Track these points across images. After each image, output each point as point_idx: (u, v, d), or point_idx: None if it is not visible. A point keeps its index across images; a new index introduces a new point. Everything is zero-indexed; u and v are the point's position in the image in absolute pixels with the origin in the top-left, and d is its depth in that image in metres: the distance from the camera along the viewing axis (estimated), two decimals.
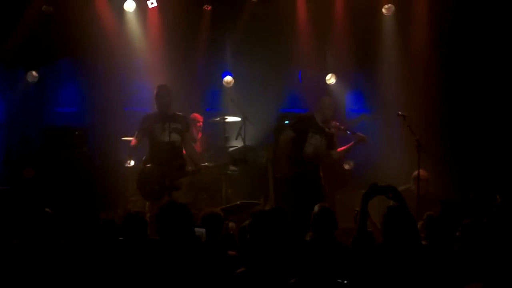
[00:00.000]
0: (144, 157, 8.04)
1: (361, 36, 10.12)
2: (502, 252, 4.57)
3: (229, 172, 8.87)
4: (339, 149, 8.13)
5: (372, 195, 4.85)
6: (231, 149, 9.44)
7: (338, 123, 8.04)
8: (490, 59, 9.50)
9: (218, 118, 9.57)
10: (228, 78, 10.43)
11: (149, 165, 7.89)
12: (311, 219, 5.23)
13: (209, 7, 10.31)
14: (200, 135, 9.78)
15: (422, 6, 9.97)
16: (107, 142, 9.75)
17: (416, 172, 8.10)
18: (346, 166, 9.94)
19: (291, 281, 4.08)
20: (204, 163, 8.79)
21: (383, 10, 10.12)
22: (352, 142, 8.07)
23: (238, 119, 9.53)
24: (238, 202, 7.88)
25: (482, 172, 9.19)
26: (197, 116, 9.69)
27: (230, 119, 9.53)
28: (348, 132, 8.05)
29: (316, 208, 5.30)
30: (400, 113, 8.15)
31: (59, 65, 10.45)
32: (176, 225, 4.48)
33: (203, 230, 5.31)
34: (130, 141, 8.24)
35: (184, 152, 8.09)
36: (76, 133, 9.19)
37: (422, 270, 4.42)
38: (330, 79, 10.43)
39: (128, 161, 8.51)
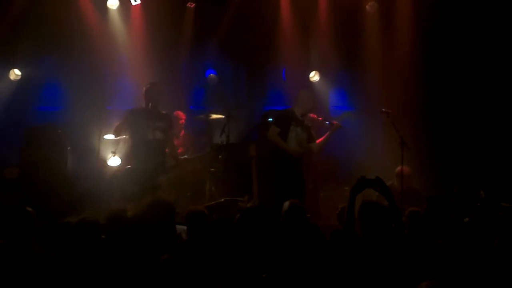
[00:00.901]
0: (124, 154, 8.00)
1: (344, 34, 10.14)
2: (484, 248, 4.61)
3: (212, 169, 8.85)
4: (317, 141, 8.14)
5: (360, 189, 4.83)
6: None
7: (315, 115, 8.05)
8: (473, 55, 9.55)
9: (202, 116, 9.55)
10: (212, 76, 10.40)
11: (129, 166, 7.84)
12: (281, 215, 5.18)
13: (193, 5, 10.29)
14: (182, 132, 9.74)
15: (405, 4, 10.00)
16: (90, 141, 9.69)
17: (399, 168, 8.13)
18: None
19: (263, 276, 4.07)
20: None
21: (367, 7, 10.14)
22: (328, 132, 8.07)
23: (222, 116, 9.50)
24: (222, 200, 7.87)
25: (466, 168, 9.23)
26: (180, 113, 9.66)
27: (214, 116, 9.51)
28: (326, 122, 8.05)
29: (285, 204, 5.24)
30: (383, 110, 8.18)
31: (41, 64, 10.37)
32: (160, 222, 4.47)
33: (184, 227, 5.29)
34: (112, 139, 8.18)
35: (167, 150, 8.06)
36: (59, 131, 9.12)
37: (402, 263, 4.44)
38: (314, 76, 10.45)
39: (112, 156, 8.39)
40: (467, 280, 4.08)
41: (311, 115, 8.02)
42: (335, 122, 8.07)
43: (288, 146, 7.73)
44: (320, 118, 8.05)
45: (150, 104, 7.80)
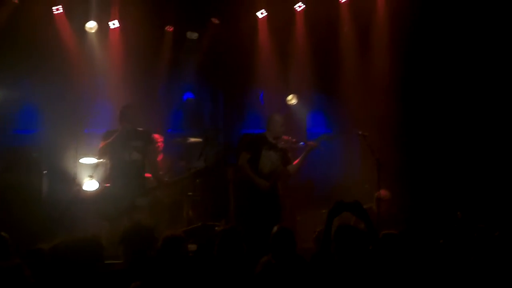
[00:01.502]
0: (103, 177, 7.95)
1: (321, 57, 10.21)
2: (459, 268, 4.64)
3: (190, 193, 8.81)
4: (294, 163, 8.15)
5: (338, 212, 4.85)
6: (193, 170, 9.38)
7: (288, 137, 8.05)
8: (449, 76, 9.63)
9: (180, 139, 9.52)
10: (189, 99, 10.41)
11: (107, 185, 7.80)
12: (270, 239, 5.20)
13: (171, 28, 10.32)
14: (161, 156, 9.69)
15: (381, 26, 10.10)
16: (66, 165, 9.63)
17: (378, 192, 8.17)
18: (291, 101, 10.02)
19: None
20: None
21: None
22: (304, 152, 8.07)
23: (200, 140, 9.48)
24: (200, 224, 7.83)
25: (443, 190, 9.29)
26: (157, 136, 9.62)
27: (191, 140, 9.48)
28: (300, 143, 8.06)
29: (275, 228, 5.27)
30: (360, 132, 8.22)
31: (18, 86, 10.30)
32: (140, 247, 4.44)
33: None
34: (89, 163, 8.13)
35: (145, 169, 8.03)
36: (34, 155, 9.05)
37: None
38: (292, 100, 10.48)
39: (89, 179, 8.27)
40: None
41: (285, 137, 8.03)
42: (310, 142, 8.08)
43: (255, 178, 7.71)
44: (294, 140, 8.06)
45: (126, 125, 7.78)
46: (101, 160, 8.07)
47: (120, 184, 7.68)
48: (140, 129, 7.92)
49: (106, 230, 7.84)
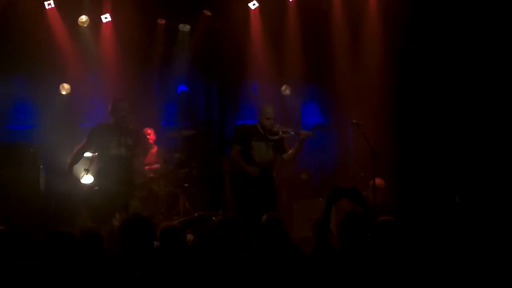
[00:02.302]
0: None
1: (314, 47, 10.23)
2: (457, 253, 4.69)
3: (186, 185, 8.85)
4: (289, 152, 8.18)
5: (336, 198, 4.88)
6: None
7: (280, 127, 8.06)
8: (444, 65, 9.66)
9: (174, 132, 9.56)
10: (183, 91, 10.43)
11: (96, 187, 7.70)
12: (260, 228, 5.22)
13: (164, 21, 10.32)
14: (155, 149, 9.72)
15: (373, 14, 10.13)
16: (62, 159, 9.65)
17: (373, 181, 8.23)
18: (303, 176, 10.02)
19: None
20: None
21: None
22: (298, 142, 8.10)
23: (194, 132, 9.53)
24: (196, 215, 7.87)
25: (438, 177, 9.35)
26: (148, 130, 9.61)
27: (186, 132, 9.52)
28: (291, 132, 8.07)
29: (264, 217, 5.29)
30: (354, 121, 8.26)
31: (12, 82, 10.31)
32: (140, 238, 4.48)
33: (157, 243, 5.30)
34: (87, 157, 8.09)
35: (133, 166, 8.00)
36: (31, 150, 9.06)
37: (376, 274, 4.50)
38: (285, 90, 10.52)
39: (84, 174, 8.24)
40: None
41: (278, 126, 8.04)
42: (303, 131, 8.07)
43: (245, 166, 7.74)
44: (286, 130, 8.07)
45: (116, 120, 7.73)
46: (94, 154, 8.00)
47: (108, 178, 7.58)
48: (131, 126, 7.80)
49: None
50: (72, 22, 10.06)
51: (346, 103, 9.95)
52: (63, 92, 10.20)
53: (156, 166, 9.39)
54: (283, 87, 10.50)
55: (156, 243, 5.06)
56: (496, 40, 9.30)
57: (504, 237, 4.72)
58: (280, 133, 7.96)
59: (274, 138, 7.94)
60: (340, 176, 9.53)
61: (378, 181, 8.46)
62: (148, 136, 9.59)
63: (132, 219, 4.63)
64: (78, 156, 7.71)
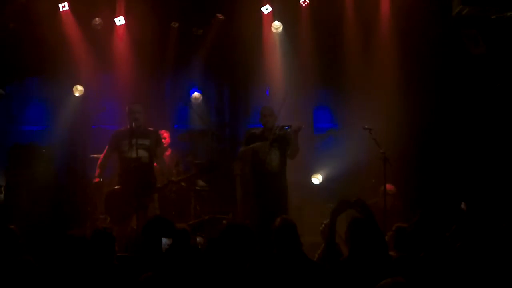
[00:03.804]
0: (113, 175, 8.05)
1: (327, 52, 10.24)
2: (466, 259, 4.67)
3: (198, 188, 8.87)
4: None
5: (341, 211, 4.90)
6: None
7: (277, 125, 8.07)
8: (458, 70, 9.62)
9: (186, 134, 9.58)
10: (196, 94, 10.45)
11: (116, 187, 7.86)
12: (273, 232, 5.21)
13: (177, 24, 10.36)
14: (169, 151, 9.76)
15: (386, 19, 10.13)
16: (74, 160, 9.71)
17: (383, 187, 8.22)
18: (315, 181, 10.03)
19: None
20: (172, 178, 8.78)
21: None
22: (292, 136, 8.07)
23: (206, 135, 9.54)
24: (206, 217, 7.89)
25: (448, 183, 9.32)
26: (163, 132, 9.69)
27: (198, 135, 9.54)
28: (285, 128, 8.06)
29: (277, 221, 5.28)
30: (366, 126, 8.27)
31: (26, 83, 10.39)
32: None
33: (169, 241, 5.31)
34: (98, 158, 8.21)
35: (155, 166, 8.11)
36: (43, 151, 9.12)
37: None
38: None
39: (97, 179, 8.37)
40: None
41: (276, 126, 8.05)
42: (294, 124, 8.03)
43: (250, 147, 7.82)
44: (280, 127, 8.07)
45: (133, 123, 7.85)
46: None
47: (127, 181, 7.74)
48: (150, 128, 8.01)
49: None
50: (86, 25, 10.11)
51: (358, 108, 9.94)
52: (76, 94, 10.27)
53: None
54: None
55: (165, 241, 5.08)
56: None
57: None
58: (277, 131, 7.96)
59: (275, 138, 7.93)
60: (351, 182, 9.52)
61: (389, 187, 8.47)
62: (163, 140, 9.65)
63: (155, 220, 4.66)
64: (103, 165, 8.03)
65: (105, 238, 4.96)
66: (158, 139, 8.17)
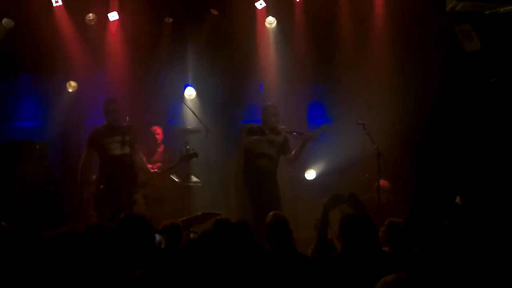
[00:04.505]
0: (95, 176, 8.01)
1: (321, 47, 10.23)
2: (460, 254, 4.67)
3: (191, 184, 8.86)
4: (292, 152, 8.22)
5: (334, 205, 4.89)
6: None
7: (284, 127, 8.12)
8: (451, 66, 9.62)
9: (180, 130, 9.56)
10: (190, 90, 10.44)
11: (102, 186, 7.82)
12: (265, 228, 5.25)
13: (171, 20, 10.33)
14: (162, 147, 9.75)
15: (379, 15, 10.12)
16: (68, 157, 9.69)
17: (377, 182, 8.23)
18: (308, 177, 10.04)
19: None
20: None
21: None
22: (301, 142, 8.13)
23: (200, 130, 9.53)
24: (200, 213, 7.88)
25: (442, 178, 9.34)
26: (156, 128, 9.68)
27: (192, 130, 9.52)
28: (294, 133, 8.11)
29: (269, 216, 5.32)
30: (359, 121, 8.28)
31: (19, 79, 10.36)
32: (136, 236, 4.49)
33: (163, 236, 5.31)
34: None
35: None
36: (37, 147, 9.09)
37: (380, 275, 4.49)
38: None
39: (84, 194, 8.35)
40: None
41: (281, 127, 8.10)
42: (306, 133, 8.11)
43: (262, 138, 7.80)
44: (288, 130, 8.11)
45: (109, 121, 7.87)
46: None
47: (112, 179, 7.70)
48: (125, 124, 7.89)
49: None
50: (79, 20, 10.08)
51: (352, 104, 9.94)
52: (70, 90, 10.23)
53: (158, 165, 9.37)
54: None
55: (158, 237, 5.09)
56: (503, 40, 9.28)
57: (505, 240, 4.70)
58: (283, 133, 8.00)
59: (278, 139, 7.97)
60: (344, 177, 9.52)
61: (383, 182, 8.49)
62: (156, 136, 9.64)
63: (127, 218, 4.64)
64: (85, 166, 8.02)
65: (96, 234, 4.94)
66: (135, 135, 8.08)
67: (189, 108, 9.72)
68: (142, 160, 8.33)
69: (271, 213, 5.38)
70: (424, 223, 5.37)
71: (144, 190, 8.22)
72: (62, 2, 9.93)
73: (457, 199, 7.62)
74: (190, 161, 8.22)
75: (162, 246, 5.27)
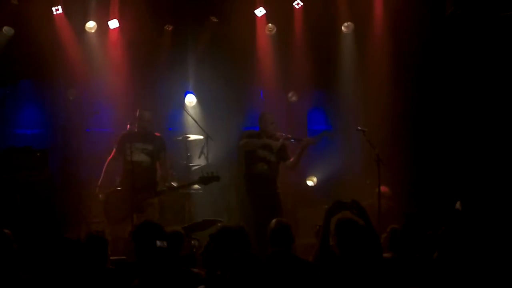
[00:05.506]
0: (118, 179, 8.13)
1: (321, 54, 10.25)
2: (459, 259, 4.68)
3: (192, 191, 8.86)
4: (291, 159, 8.23)
5: (336, 212, 4.88)
6: (194, 168, 9.42)
7: (282, 134, 8.15)
8: (449, 72, 9.63)
9: (181, 137, 9.57)
10: (190, 97, 10.45)
11: (118, 188, 8.02)
12: (268, 234, 5.26)
13: (171, 27, 10.35)
14: None
15: (380, 23, 10.14)
16: (69, 164, 9.69)
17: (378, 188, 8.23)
18: (310, 183, 10.04)
19: None
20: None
21: (343, 28, 10.27)
22: (300, 148, 8.15)
23: (201, 137, 9.54)
24: (201, 220, 7.89)
25: (442, 184, 9.33)
26: (157, 135, 9.68)
27: (192, 137, 9.54)
28: (292, 140, 8.14)
29: (272, 223, 5.33)
30: (359, 128, 8.29)
31: (19, 86, 10.36)
32: (151, 244, 4.52)
33: (164, 242, 5.30)
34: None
35: (158, 171, 8.15)
36: (38, 154, 9.08)
37: (381, 281, 4.49)
38: (292, 97, 10.51)
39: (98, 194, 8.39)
40: None
41: (279, 133, 8.12)
42: (304, 138, 8.13)
43: (258, 141, 7.82)
44: (286, 136, 8.12)
45: (138, 128, 8.13)
46: None
47: (127, 184, 7.82)
48: (157, 134, 8.26)
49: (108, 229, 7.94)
50: (79, 28, 10.11)
51: (352, 110, 9.96)
52: (70, 97, 10.24)
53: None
54: (290, 94, 10.50)
55: (160, 243, 5.08)
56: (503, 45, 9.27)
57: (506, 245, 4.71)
58: (281, 140, 8.02)
59: (275, 144, 7.98)
60: (345, 183, 9.52)
61: (383, 188, 8.50)
62: None
63: (144, 225, 4.65)
64: (109, 169, 8.26)
65: (98, 241, 4.94)
66: (161, 145, 8.28)
67: (190, 115, 9.74)
68: (166, 170, 8.43)
69: (274, 219, 5.39)
70: (422, 228, 5.38)
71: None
72: (62, 10, 9.96)
73: (457, 205, 7.60)
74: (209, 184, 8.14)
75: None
